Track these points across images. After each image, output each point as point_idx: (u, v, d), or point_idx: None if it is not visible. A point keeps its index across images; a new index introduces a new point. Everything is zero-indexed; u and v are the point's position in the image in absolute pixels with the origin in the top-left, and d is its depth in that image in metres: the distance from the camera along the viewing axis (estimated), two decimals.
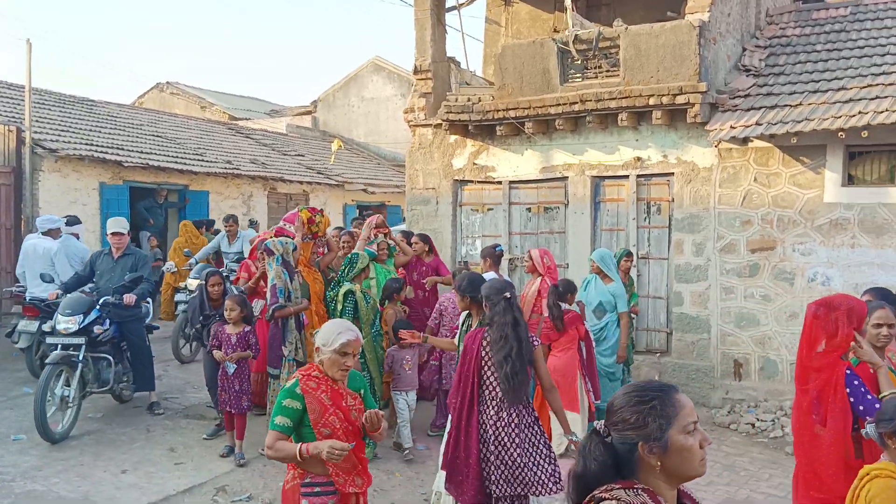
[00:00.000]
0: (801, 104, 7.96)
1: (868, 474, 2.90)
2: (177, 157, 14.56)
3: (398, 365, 6.66)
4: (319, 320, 7.37)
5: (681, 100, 8.18)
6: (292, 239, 6.96)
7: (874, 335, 3.71)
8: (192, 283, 9.67)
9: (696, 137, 8.54)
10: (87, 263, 7.67)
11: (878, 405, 3.32)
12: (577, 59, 8.95)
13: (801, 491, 3.78)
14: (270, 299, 6.62)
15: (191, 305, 7.55)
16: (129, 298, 7.18)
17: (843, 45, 9.06)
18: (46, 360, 6.84)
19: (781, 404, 7.89)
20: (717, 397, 8.38)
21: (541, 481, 4.31)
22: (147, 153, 13.90)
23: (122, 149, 13.44)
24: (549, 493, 4.35)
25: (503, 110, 9.28)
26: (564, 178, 9.43)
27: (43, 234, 9.16)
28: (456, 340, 5.55)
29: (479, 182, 10.11)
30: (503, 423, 4.33)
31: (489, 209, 10.11)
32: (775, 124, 7.71)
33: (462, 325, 5.29)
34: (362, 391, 3.61)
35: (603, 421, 2.04)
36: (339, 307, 6.61)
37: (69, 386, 6.81)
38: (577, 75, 9.05)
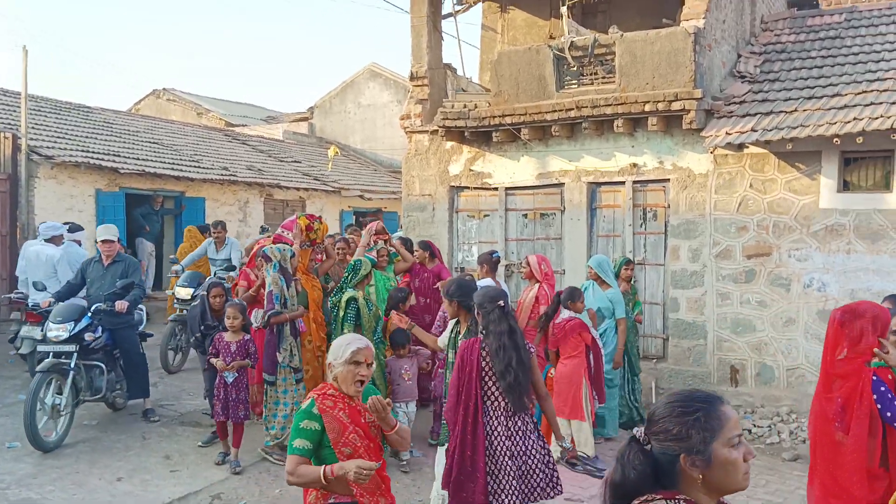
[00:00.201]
0: (796, 110, 7.99)
1: None
2: (173, 163, 14.54)
3: (396, 374, 6.64)
4: (317, 327, 7.36)
5: (676, 106, 8.20)
6: (290, 246, 6.95)
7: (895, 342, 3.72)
8: (181, 292, 9.37)
9: (692, 144, 8.56)
10: (78, 272, 7.62)
11: None
12: (573, 66, 8.98)
13: (818, 498, 3.75)
14: (266, 305, 6.61)
15: (190, 315, 7.51)
16: (122, 305, 7.14)
17: (838, 51, 9.10)
18: (37, 369, 6.78)
19: (778, 410, 7.89)
20: None
21: (545, 486, 4.30)
22: (143, 160, 13.88)
23: (119, 155, 13.43)
24: (550, 498, 4.34)
25: (499, 117, 9.30)
26: (561, 185, 9.45)
27: (46, 241, 9.16)
28: (440, 342, 5.50)
29: (475, 188, 10.12)
30: (511, 433, 4.28)
31: (485, 215, 10.11)
32: (770, 130, 7.73)
33: (451, 331, 5.21)
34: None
35: (643, 429, 1.98)
36: (342, 314, 6.59)
37: (61, 394, 6.75)
38: (573, 82, 9.07)
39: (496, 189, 9.92)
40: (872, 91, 7.88)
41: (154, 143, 15.64)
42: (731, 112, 8.34)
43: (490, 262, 7.51)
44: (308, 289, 7.21)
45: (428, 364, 7.04)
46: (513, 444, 4.28)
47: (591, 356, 6.62)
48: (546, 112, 8.96)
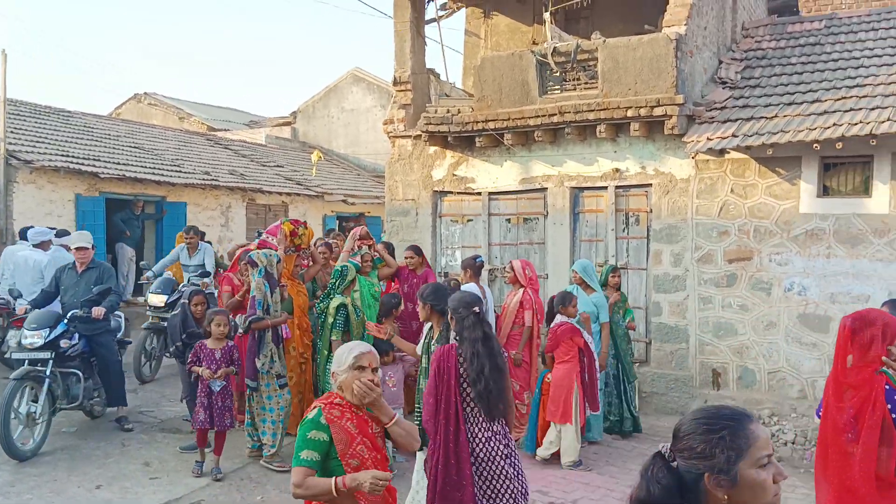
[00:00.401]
0: (776, 116, 8.06)
1: None
2: (154, 168, 14.42)
3: (381, 381, 6.60)
4: (302, 333, 7.32)
5: (658, 112, 8.25)
6: (276, 251, 6.90)
7: None
8: (154, 299, 9.08)
9: (674, 149, 8.61)
10: (52, 279, 7.52)
11: None
12: (556, 72, 9.01)
13: None
14: (248, 311, 6.56)
15: (171, 323, 7.42)
16: (98, 311, 7.05)
17: (818, 58, 9.19)
18: (11, 376, 6.68)
19: (759, 413, 7.92)
20: (696, 407, 8.39)
21: (520, 494, 4.28)
22: (124, 164, 13.75)
23: (99, 160, 13.29)
24: None
25: (482, 122, 9.31)
26: (544, 190, 9.47)
27: (34, 246, 9.06)
28: (418, 349, 5.47)
29: (458, 193, 10.12)
30: (496, 436, 4.25)
31: (469, 220, 10.11)
32: (751, 136, 7.79)
33: (425, 337, 5.17)
34: None
35: (669, 444, 1.93)
36: (331, 320, 6.54)
37: (36, 402, 6.67)
38: (556, 87, 9.10)
39: (479, 194, 9.92)
40: (852, 97, 7.96)
41: (135, 147, 15.50)
42: (713, 118, 8.40)
43: (473, 266, 7.51)
44: (293, 294, 7.16)
45: (415, 370, 7.02)
46: (503, 447, 4.26)
47: (585, 360, 6.68)
48: (529, 117, 8.99)
